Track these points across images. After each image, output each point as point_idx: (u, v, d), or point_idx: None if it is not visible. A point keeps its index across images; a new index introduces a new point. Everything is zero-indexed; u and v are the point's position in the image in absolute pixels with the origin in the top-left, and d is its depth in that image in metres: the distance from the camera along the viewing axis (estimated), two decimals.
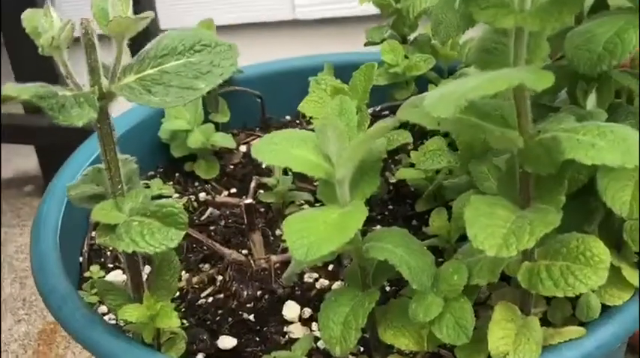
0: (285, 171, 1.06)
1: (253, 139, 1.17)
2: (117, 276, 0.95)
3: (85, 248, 0.99)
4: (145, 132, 1.09)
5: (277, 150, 0.73)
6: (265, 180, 1.02)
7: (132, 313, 0.76)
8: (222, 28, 1.13)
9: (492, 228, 0.66)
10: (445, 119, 0.63)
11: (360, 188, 0.74)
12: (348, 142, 0.71)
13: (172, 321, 0.75)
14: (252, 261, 0.92)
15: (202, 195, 1.06)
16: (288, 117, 1.20)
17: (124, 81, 0.71)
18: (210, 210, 1.03)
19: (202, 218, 1.02)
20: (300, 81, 1.11)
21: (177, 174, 1.11)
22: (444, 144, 0.95)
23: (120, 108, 1.13)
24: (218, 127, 1.12)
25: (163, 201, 0.73)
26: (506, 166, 0.72)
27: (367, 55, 1.15)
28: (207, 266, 0.95)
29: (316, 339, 0.84)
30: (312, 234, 0.69)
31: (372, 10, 1.09)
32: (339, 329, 0.73)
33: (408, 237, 0.76)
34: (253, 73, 1.17)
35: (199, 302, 0.90)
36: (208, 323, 0.88)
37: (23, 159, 1.97)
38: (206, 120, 1.10)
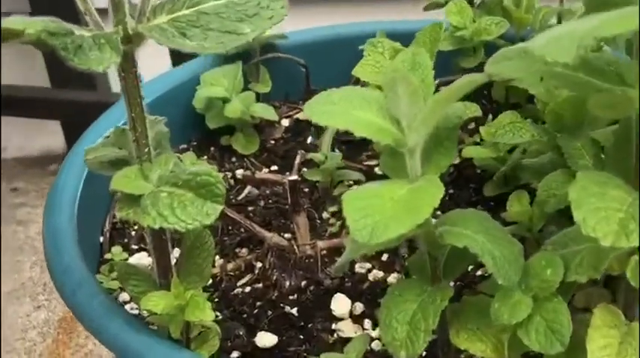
0: (334, 147, 0.93)
1: (297, 113, 1.03)
2: (141, 259, 0.82)
3: (107, 226, 0.86)
4: (176, 100, 0.96)
5: (335, 110, 0.60)
6: (311, 155, 0.89)
7: (157, 302, 0.63)
8: None
9: (606, 212, 0.52)
10: (553, 73, 0.49)
11: (433, 159, 0.61)
12: (422, 102, 0.58)
13: (204, 313, 0.62)
14: (295, 247, 0.79)
15: (240, 172, 0.93)
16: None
17: (153, 21, 0.58)
18: (248, 188, 0.90)
19: (240, 197, 0.89)
20: (349, 49, 0.97)
21: (212, 149, 0.97)
22: (518, 118, 0.81)
23: (148, 75, 1.00)
24: (258, 98, 0.99)
25: (198, 168, 0.59)
26: (616, 138, 0.58)
27: (424, 23, 1.01)
28: (244, 251, 0.82)
29: (370, 339, 0.71)
30: (376, 213, 0.55)
31: None
32: (405, 330, 0.60)
33: (488, 220, 0.62)
34: (298, 40, 1.04)
35: (235, 291, 0.77)
36: (245, 316, 0.74)
37: (48, 137, 1.85)
38: (245, 90, 0.96)
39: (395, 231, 0.54)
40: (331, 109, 0.60)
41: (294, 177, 0.81)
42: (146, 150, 0.61)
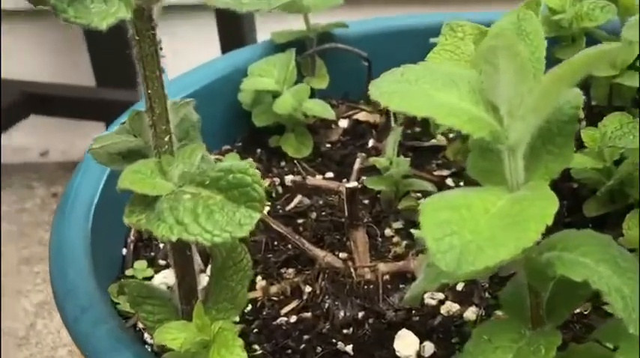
0: (399, 153, 0.77)
1: (356, 113, 0.88)
2: (169, 278, 0.68)
3: (132, 236, 0.72)
4: (219, 94, 0.82)
5: (411, 91, 0.44)
6: (373, 160, 0.73)
7: (175, 335, 0.48)
8: None
9: None
10: None
11: (542, 161, 0.45)
12: (533, 82, 0.42)
13: (234, 353, 0.47)
14: (352, 269, 0.64)
15: (289, 178, 0.78)
16: None
17: None
18: (298, 197, 0.75)
19: (288, 207, 0.74)
20: (417, 42, 0.82)
21: (259, 150, 0.83)
22: (630, 119, 0.64)
23: (186, 65, 0.86)
24: (313, 95, 0.84)
25: (230, 163, 0.45)
26: None
27: (500, 14, 0.85)
28: (291, 271, 0.67)
29: None
30: (466, 230, 0.40)
31: None
32: None
33: (612, 247, 0.46)
34: (360, 30, 0.89)
35: (278, 321, 0.62)
36: (289, 352, 0.59)
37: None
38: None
39: (492, 257, 0.39)
40: (405, 90, 0.44)
41: (353, 185, 0.66)
42: (166, 138, 0.47)
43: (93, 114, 1.58)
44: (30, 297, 1.40)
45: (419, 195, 0.74)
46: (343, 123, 0.87)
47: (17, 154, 1.75)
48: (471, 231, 0.40)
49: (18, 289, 1.42)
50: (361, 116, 0.87)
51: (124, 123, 0.51)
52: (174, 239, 0.43)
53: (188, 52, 1.30)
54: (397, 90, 0.44)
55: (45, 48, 1.62)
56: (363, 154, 0.75)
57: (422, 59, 0.81)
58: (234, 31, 1.33)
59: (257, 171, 0.44)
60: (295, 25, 0.86)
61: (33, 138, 1.74)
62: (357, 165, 0.73)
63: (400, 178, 0.72)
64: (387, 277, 0.64)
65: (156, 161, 0.46)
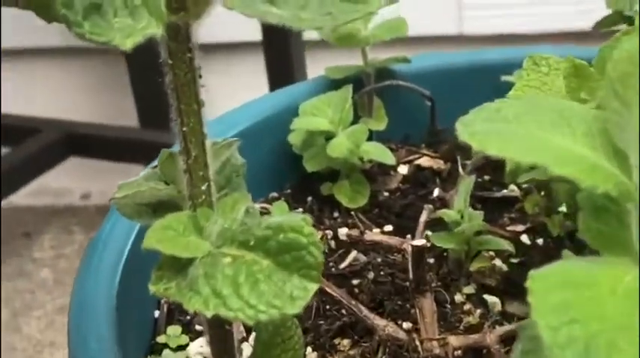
0: (474, 204, 0.67)
1: (418, 158, 0.78)
2: (206, 347, 0.58)
3: None
4: (266, 135, 0.73)
5: (512, 132, 0.35)
6: (442, 213, 0.63)
7: None
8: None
9: None
10: None
11: None
12: None
13: None
14: (418, 343, 0.54)
15: (343, 231, 0.68)
16: None
17: None
18: (354, 253, 0.65)
19: (342, 265, 0.64)
20: (488, 81, 0.73)
21: (309, 199, 0.73)
22: None
23: (228, 104, 0.78)
24: (371, 137, 0.75)
25: (281, 218, 0.35)
26: None
27: (584, 50, 0.76)
28: (346, 342, 0.57)
29: None
30: (591, 318, 0.30)
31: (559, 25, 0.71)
32: None
33: None
34: (422, 66, 0.80)
35: None
36: None
37: None
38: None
39: (629, 354, 0.29)
40: (504, 130, 0.35)
41: (421, 242, 0.56)
42: (204, 186, 0.37)
43: (136, 157, 1.50)
44: (64, 350, 1.31)
45: (492, 254, 0.64)
46: (403, 170, 0.77)
47: (57, 197, 1.69)
48: (597, 317, 0.30)
49: (52, 340, 1.34)
50: (423, 162, 0.78)
51: (155, 166, 0.42)
52: (209, 315, 0.34)
53: (233, 91, 1.22)
54: (493, 130, 0.34)
55: (87, 87, 1.56)
56: (430, 206, 0.65)
57: (491, 99, 0.72)
58: (283, 68, 1.26)
59: (314, 230, 0.35)
60: (347, 60, 0.77)
61: (73, 180, 1.67)
62: (423, 217, 0.63)
63: (472, 235, 0.62)
64: (458, 352, 0.54)
65: (190, 215, 0.37)
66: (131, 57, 1.41)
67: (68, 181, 1.66)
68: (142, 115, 1.50)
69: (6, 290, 1.50)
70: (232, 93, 1.19)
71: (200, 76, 0.36)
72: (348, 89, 0.70)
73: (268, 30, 1.31)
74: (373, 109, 0.77)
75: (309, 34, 1.29)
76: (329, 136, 0.70)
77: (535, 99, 0.36)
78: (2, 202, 1.51)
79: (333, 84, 0.75)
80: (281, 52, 1.30)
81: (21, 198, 1.66)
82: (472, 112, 0.36)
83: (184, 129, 0.36)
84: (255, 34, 1.30)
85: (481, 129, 0.35)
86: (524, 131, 0.34)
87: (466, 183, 0.63)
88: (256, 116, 0.73)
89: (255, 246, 0.35)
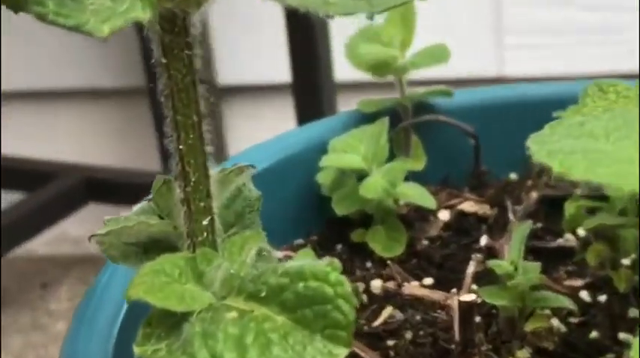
0: (525, 255, 0.59)
1: (460, 202, 0.70)
2: None
3: None
4: (291, 174, 0.66)
5: (603, 151, 0.27)
6: (492, 264, 0.55)
7: None
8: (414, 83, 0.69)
9: None
10: None
11: None
12: None
13: None
14: None
15: (377, 284, 0.60)
16: (513, 176, 0.73)
17: None
18: (389, 309, 0.57)
19: (376, 323, 0.56)
20: (537, 117, 0.65)
21: (339, 246, 0.65)
22: None
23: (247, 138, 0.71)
24: (406, 178, 0.67)
25: (302, 263, 0.27)
26: None
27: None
28: None
29: None
30: None
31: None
32: None
33: None
34: (466, 101, 0.72)
35: None
36: None
37: None
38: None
39: None
40: (592, 148, 0.27)
41: (470, 296, 0.48)
42: (205, 221, 0.30)
43: None
44: None
45: (549, 312, 0.55)
46: (444, 215, 0.69)
47: (75, 246, 1.62)
48: None
49: None
50: (466, 206, 0.69)
51: (150, 199, 0.34)
52: None
53: (260, 136, 1.16)
54: (579, 148, 0.26)
55: (108, 129, 1.50)
56: (479, 255, 0.57)
57: None
58: (313, 112, 1.19)
59: (344, 278, 0.27)
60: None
61: (93, 228, 1.61)
62: (471, 269, 0.55)
63: (527, 290, 0.54)
64: None
65: (188, 257, 0.30)
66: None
67: (87, 229, 1.60)
68: (165, 159, 1.45)
69: (19, 343, 1.44)
70: (259, 139, 1.12)
71: (201, 82, 0.28)
72: (384, 122, 0.63)
73: (298, 71, 1.25)
74: (410, 147, 0.69)
75: (341, 75, 1.23)
76: (361, 175, 0.62)
77: (628, 112, 0.29)
78: (18, 251, 1.46)
79: (366, 119, 0.67)
80: (311, 94, 1.23)
81: (38, 246, 1.60)
82: (548, 127, 0.29)
83: (181, 147, 0.28)
84: (284, 75, 1.24)
85: (560, 149, 0.27)
86: (619, 151, 0.26)
87: (521, 230, 0.55)
88: (280, 153, 0.65)
89: (268, 297, 0.27)
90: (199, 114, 0.28)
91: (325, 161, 0.62)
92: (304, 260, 0.28)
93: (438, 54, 0.63)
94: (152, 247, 0.32)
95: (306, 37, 1.22)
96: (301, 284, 0.27)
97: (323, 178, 0.64)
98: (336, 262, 0.27)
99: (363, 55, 0.63)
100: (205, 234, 0.30)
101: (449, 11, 1.24)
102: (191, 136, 0.28)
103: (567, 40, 1.31)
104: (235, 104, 1.38)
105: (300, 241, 0.66)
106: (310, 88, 1.25)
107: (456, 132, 0.70)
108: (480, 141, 0.70)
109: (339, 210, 0.64)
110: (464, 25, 1.11)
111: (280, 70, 1.26)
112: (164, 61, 0.27)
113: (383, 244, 0.63)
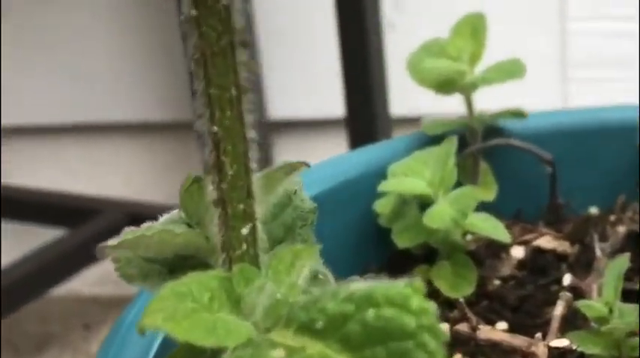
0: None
1: (535, 238, 0.62)
2: None
3: None
4: (345, 202, 0.58)
5: None
6: (583, 305, 0.47)
7: None
8: None
9: None
10: None
11: None
12: None
13: None
14: None
15: (444, 327, 0.52)
16: (593, 210, 0.65)
17: None
18: (459, 357, 0.49)
19: None
20: (617, 142, 0.59)
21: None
22: None
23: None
24: (476, 208, 0.59)
25: (371, 286, 0.20)
26: None
27: None
28: None
29: None
30: None
31: None
32: None
33: None
34: (542, 125, 0.64)
35: None
36: None
37: None
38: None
39: None
40: None
41: (559, 342, 0.40)
42: (246, 230, 0.23)
43: None
44: None
45: None
46: (518, 252, 0.60)
47: (118, 286, 1.57)
48: None
49: None
50: (543, 242, 0.61)
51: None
52: None
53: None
54: None
55: (153, 165, 1.46)
56: (568, 294, 0.49)
57: (622, 167, 0.58)
58: (366, 142, 1.12)
59: (431, 304, 0.19)
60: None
61: None
62: (559, 310, 0.47)
63: (624, 336, 0.45)
64: None
65: (222, 276, 0.22)
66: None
67: None
68: None
69: None
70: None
71: (245, 44, 0.21)
72: (452, 142, 0.55)
73: (352, 105, 1.18)
74: (479, 174, 0.61)
75: (398, 109, 1.16)
76: (426, 202, 0.55)
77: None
78: (61, 290, 1.41)
79: (430, 142, 0.60)
80: (366, 129, 1.17)
81: (81, 286, 1.55)
82: None
83: (215, 129, 0.21)
84: (338, 110, 1.18)
85: None
86: None
87: (617, 267, 0.47)
88: (333, 179, 0.58)
89: (327, 330, 0.20)
90: (239, 86, 0.21)
91: (384, 186, 0.55)
92: (376, 281, 0.21)
93: (511, 69, 0.56)
94: (179, 264, 0.25)
95: (360, 70, 1.16)
96: (371, 313, 0.19)
97: (382, 206, 0.57)
98: (419, 282, 0.20)
99: (428, 70, 0.56)
100: (245, 246, 0.23)
101: (512, 44, 1.16)
102: (228, 115, 0.21)
103: (633, 74, 1.24)
104: (286, 139, 1.32)
105: (355, 276, 0.59)
106: (365, 122, 1.18)
107: (530, 159, 0.62)
108: (556, 168, 0.62)
109: (400, 242, 0.56)
110: (528, 58, 1.04)
111: (333, 104, 1.20)
112: (194, 13, 0.20)
113: (450, 283, 0.55)
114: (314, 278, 0.25)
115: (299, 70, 1.27)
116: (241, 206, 0.22)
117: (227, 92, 0.21)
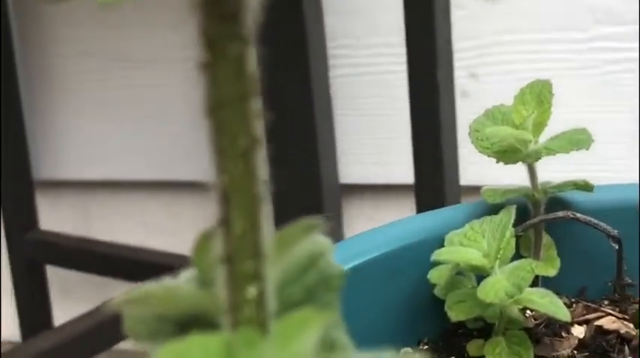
0: None
1: (598, 318, 0.58)
2: None
3: None
4: (398, 269, 0.55)
5: None
6: None
7: None
8: None
9: None
10: None
11: None
12: None
13: None
14: None
15: None
16: None
17: None
18: None
19: None
20: None
21: None
22: None
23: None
24: (536, 284, 0.56)
25: (376, 356, 0.18)
26: None
27: None
28: None
29: None
30: None
31: None
32: None
33: None
34: (609, 199, 0.60)
35: None
36: None
37: None
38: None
39: None
40: None
41: None
42: (252, 291, 0.21)
43: None
44: None
45: None
46: (578, 332, 0.56)
47: None
48: None
49: None
50: (606, 323, 0.57)
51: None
52: None
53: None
54: None
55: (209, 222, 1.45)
56: None
57: None
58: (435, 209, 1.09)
59: None
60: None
61: None
62: None
63: None
64: None
65: (227, 339, 0.21)
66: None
67: None
68: None
69: None
70: None
71: (260, 93, 0.20)
72: (511, 212, 0.52)
73: (422, 173, 1.16)
74: (540, 248, 0.58)
75: (468, 177, 1.13)
76: (482, 273, 0.52)
77: None
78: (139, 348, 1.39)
79: (489, 210, 0.57)
80: (435, 197, 1.14)
81: None
82: None
83: (223, 180, 0.20)
84: (407, 176, 1.15)
85: None
86: None
87: None
88: (387, 245, 0.56)
89: None
90: (253, 137, 0.19)
91: (438, 255, 0.52)
92: (382, 352, 0.18)
93: (577, 139, 0.53)
94: (190, 325, 0.23)
95: (431, 137, 1.13)
96: None
97: (437, 276, 0.54)
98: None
99: (490, 138, 0.54)
100: (252, 308, 0.21)
101: (585, 120, 1.12)
102: (238, 167, 0.19)
103: None
104: (355, 203, 1.29)
105: (407, 348, 0.56)
106: (434, 190, 1.15)
107: (596, 234, 0.58)
108: (622, 245, 0.58)
109: (454, 314, 0.53)
110: (600, 133, 1.00)
111: (403, 171, 1.18)
112: (207, 58, 0.19)
113: None
114: (331, 347, 0.22)
115: (371, 135, 1.26)
116: (249, 265, 0.20)
117: (237, 141, 0.19)
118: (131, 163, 1.37)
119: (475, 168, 1.09)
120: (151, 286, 0.22)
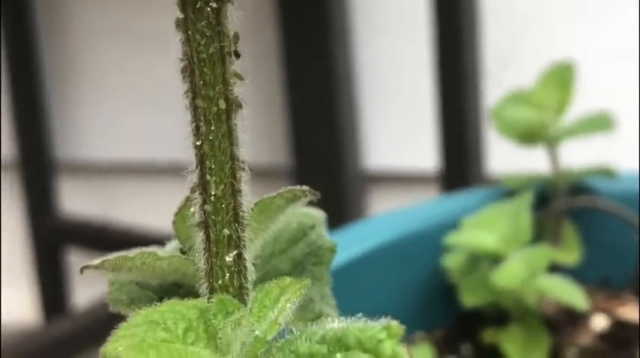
0: None
1: (619, 308, 0.57)
2: None
3: None
4: (413, 254, 0.55)
5: None
6: None
7: None
8: None
9: None
10: None
11: None
12: None
13: None
14: None
15: None
16: None
17: None
18: None
19: None
20: None
21: (464, 346, 0.54)
22: None
23: None
24: (557, 271, 0.55)
25: (347, 326, 0.18)
26: None
27: None
28: None
29: None
30: None
31: None
32: None
33: None
34: (632, 187, 0.60)
35: None
36: None
37: None
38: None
39: None
40: None
41: None
42: (229, 258, 0.21)
43: None
44: None
45: None
46: (599, 321, 0.56)
47: None
48: None
49: None
50: (627, 312, 0.56)
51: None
52: None
53: None
54: None
55: None
56: None
57: None
58: None
59: (405, 350, 0.17)
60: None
61: None
62: None
63: None
64: None
65: (203, 306, 0.20)
66: (299, 179, 1.30)
67: None
68: None
69: None
70: None
71: (237, 54, 0.20)
72: (527, 197, 0.52)
73: (445, 162, 1.15)
74: (562, 235, 0.57)
75: (492, 165, 1.12)
76: (497, 258, 0.51)
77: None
78: None
79: (508, 196, 0.57)
80: (459, 185, 1.13)
81: None
82: None
83: (199, 143, 0.19)
84: (431, 165, 1.15)
85: None
86: None
87: None
88: (402, 229, 0.55)
89: None
90: (229, 99, 0.19)
91: (452, 239, 0.52)
92: (356, 321, 0.18)
93: (600, 122, 0.52)
94: (170, 292, 0.23)
95: (456, 126, 1.12)
96: (339, 356, 0.17)
97: (452, 261, 0.54)
98: (396, 326, 0.17)
99: (510, 120, 0.53)
100: (228, 275, 0.20)
101: (610, 96, 1.11)
102: (214, 129, 0.19)
103: None
104: (380, 193, 1.29)
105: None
106: (458, 179, 1.14)
107: (617, 223, 0.57)
108: None
109: (468, 300, 0.52)
110: (627, 119, 0.98)
111: (427, 160, 1.17)
112: (181, 15, 0.19)
113: (519, 347, 0.51)
114: (317, 318, 0.22)
115: (396, 124, 1.25)
116: (226, 231, 0.20)
117: (214, 104, 0.19)
118: (154, 145, 1.38)
119: (501, 156, 1.08)
120: (129, 252, 0.22)
